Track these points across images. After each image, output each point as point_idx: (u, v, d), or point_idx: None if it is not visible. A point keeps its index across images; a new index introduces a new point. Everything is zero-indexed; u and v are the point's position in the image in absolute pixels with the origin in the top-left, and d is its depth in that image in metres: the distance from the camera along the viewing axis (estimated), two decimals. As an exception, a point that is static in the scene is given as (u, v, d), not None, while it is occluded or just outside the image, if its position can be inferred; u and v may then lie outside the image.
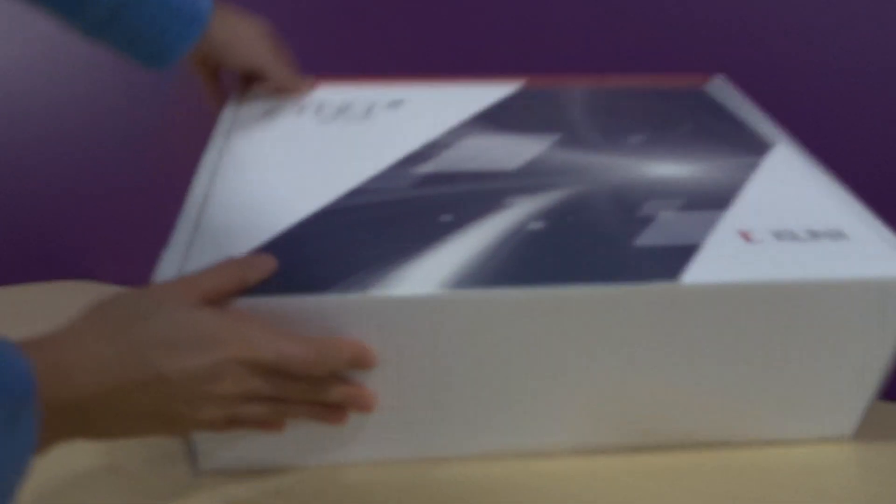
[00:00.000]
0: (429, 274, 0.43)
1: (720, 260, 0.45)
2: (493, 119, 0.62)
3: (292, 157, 0.55)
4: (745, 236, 0.47)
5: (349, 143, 0.57)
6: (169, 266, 0.44)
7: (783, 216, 0.49)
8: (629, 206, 0.50)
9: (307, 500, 0.46)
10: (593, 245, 0.46)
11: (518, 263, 0.44)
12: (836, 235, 0.48)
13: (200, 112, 0.98)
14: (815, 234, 0.48)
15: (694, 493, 0.47)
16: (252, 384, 0.40)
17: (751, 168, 0.55)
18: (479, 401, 0.47)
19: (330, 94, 0.65)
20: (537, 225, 0.47)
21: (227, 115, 0.61)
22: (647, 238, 0.47)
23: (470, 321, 0.43)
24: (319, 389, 0.43)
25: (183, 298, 0.39)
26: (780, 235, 0.47)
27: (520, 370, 0.45)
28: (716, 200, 0.51)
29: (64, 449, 0.39)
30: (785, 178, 0.54)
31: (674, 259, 0.45)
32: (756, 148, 0.58)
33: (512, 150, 0.57)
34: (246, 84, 0.66)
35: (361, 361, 0.43)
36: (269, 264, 0.43)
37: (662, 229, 0.47)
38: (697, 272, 0.44)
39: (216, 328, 0.39)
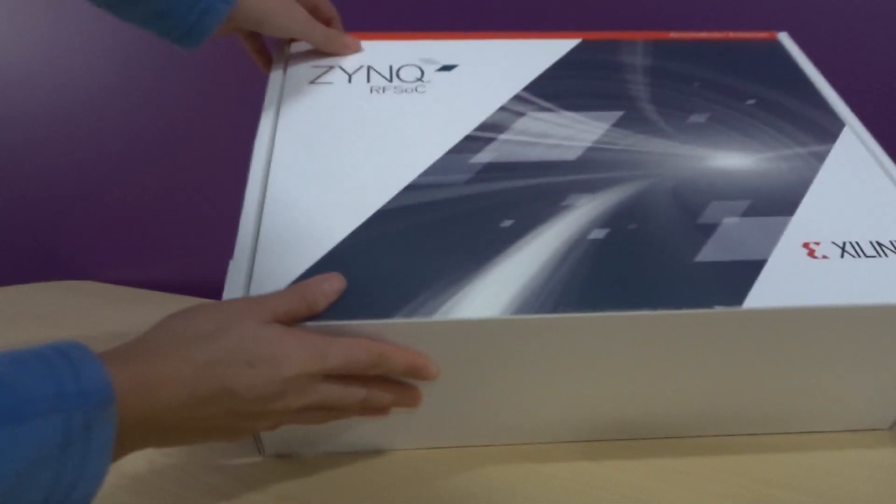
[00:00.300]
0: (492, 294, 0.43)
1: (783, 280, 0.45)
2: (550, 89, 0.59)
3: (346, 145, 0.53)
4: (809, 251, 0.47)
5: (403, 122, 0.55)
6: (235, 284, 0.44)
7: (848, 225, 0.49)
8: (691, 210, 0.49)
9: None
10: (655, 261, 0.46)
11: (580, 284, 0.44)
12: (903, 250, 0.47)
13: (201, 113, 0.95)
14: (880, 247, 0.47)
15: (726, 477, 0.49)
16: (312, 397, 0.41)
17: (817, 161, 0.53)
18: (521, 404, 0.49)
19: (378, 53, 0.63)
20: (599, 233, 0.47)
21: (273, 89, 0.58)
22: (710, 252, 0.46)
23: (531, 341, 0.44)
24: (372, 390, 0.44)
25: (254, 316, 0.40)
26: (844, 248, 0.47)
27: (572, 382, 0.47)
28: (781, 204, 0.50)
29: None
30: (851, 174, 0.52)
31: (737, 278, 0.45)
32: (823, 133, 0.56)
33: (571, 134, 0.55)
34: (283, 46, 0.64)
35: (420, 373, 0.45)
36: (337, 286, 0.43)
37: (725, 241, 0.47)
38: (760, 295, 0.44)
39: (283, 345, 0.40)
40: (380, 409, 0.46)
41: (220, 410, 0.39)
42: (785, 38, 0.66)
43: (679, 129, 0.56)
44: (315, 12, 0.62)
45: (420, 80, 0.60)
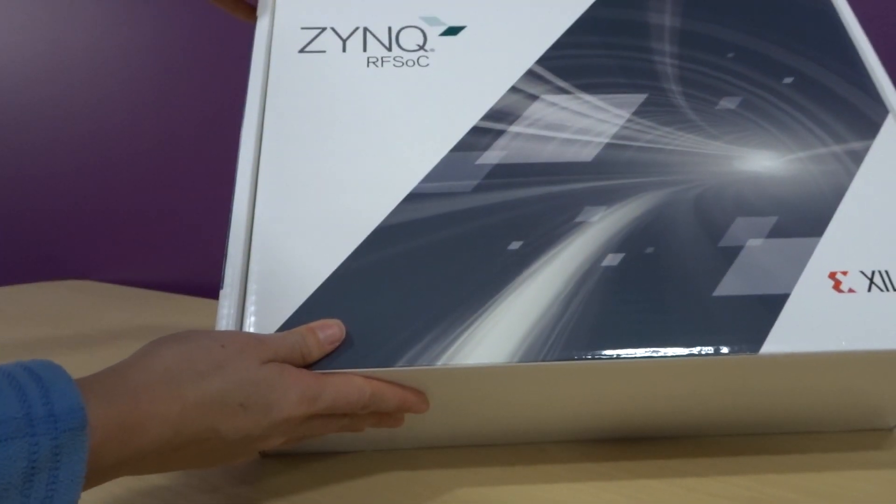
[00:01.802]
0: (498, 337, 0.41)
1: (805, 320, 0.42)
2: (567, 62, 0.53)
3: (341, 143, 0.49)
4: (836, 283, 0.44)
5: (403, 109, 0.50)
6: (226, 318, 0.42)
7: (880, 248, 0.45)
8: (714, 229, 0.46)
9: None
10: (671, 296, 0.43)
11: (591, 323, 0.42)
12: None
13: (202, 114, 0.88)
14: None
15: (726, 477, 0.50)
16: (296, 433, 0.41)
17: (854, 163, 0.49)
18: (512, 429, 0.48)
19: (375, 10, 0.56)
20: (613, 259, 0.44)
21: (257, 61, 0.52)
22: (730, 284, 0.44)
23: (536, 384, 0.43)
24: (355, 421, 0.43)
25: (254, 355, 0.39)
26: (872, 280, 0.44)
27: (574, 414, 0.46)
28: (810, 221, 0.46)
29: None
30: (889, 180, 0.48)
31: (756, 316, 0.42)
32: (864, 123, 0.51)
33: (588, 125, 0.50)
34: None
35: (412, 409, 0.44)
36: (336, 335, 0.41)
37: (748, 269, 0.44)
38: (780, 338, 0.42)
39: (278, 390, 0.39)
40: (392, 420, 0.46)
41: (201, 449, 0.38)
42: None
43: (707, 119, 0.51)
44: None
45: (422, 47, 0.54)
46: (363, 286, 0.43)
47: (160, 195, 1.01)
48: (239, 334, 0.40)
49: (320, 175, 0.47)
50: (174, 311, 0.89)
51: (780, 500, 0.47)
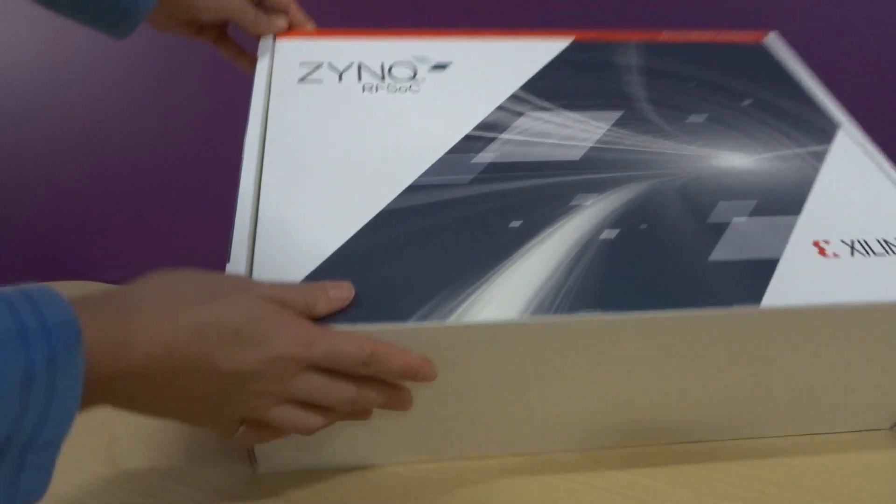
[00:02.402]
0: (507, 297, 0.41)
1: (798, 279, 0.44)
2: (547, 88, 0.58)
3: (341, 146, 0.51)
4: (820, 249, 0.46)
5: (398, 122, 0.53)
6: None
7: (854, 223, 0.48)
8: (700, 210, 0.48)
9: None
10: (669, 261, 0.45)
11: (596, 284, 0.43)
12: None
13: (202, 113, 0.93)
14: (887, 245, 0.47)
15: (728, 478, 0.49)
16: (293, 386, 0.38)
17: (817, 160, 0.53)
18: (529, 410, 0.47)
19: (369, 51, 0.61)
20: (610, 234, 0.46)
21: (258, 90, 0.55)
22: (723, 251, 0.45)
23: (547, 344, 0.42)
24: (362, 389, 0.41)
25: (252, 290, 0.38)
26: (853, 247, 0.47)
27: (583, 386, 0.46)
28: (787, 203, 0.49)
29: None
30: (851, 173, 0.53)
31: (752, 277, 0.44)
32: (820, 133, 0.56)
33: (572, 133, 0.54)
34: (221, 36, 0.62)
35: (417, 375, 0.42)
36: (345, 294, 0.41)
37: (737, 239, 0.46)
38: (777, 294, 0.43)
39: (272, 325, 0.37)
40: (365, 412, 0.44)
41: (194, 382, 0.36)
42: (775, 38, 0.67)
43: (679, 129, 0.55)
44: (262, 2, 0.60)
45: (413, 78, 0.58)
46: (369, 259, 0.43)
47: (160, 195, 1.00)
48: (240, 275, 0.40)
49: (322, 170, 0.49)
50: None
51: (782, 500, 0.47)
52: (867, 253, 0.46)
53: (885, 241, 0.47)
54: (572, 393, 0.46)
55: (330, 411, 0.41)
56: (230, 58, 0.63)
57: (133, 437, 0.51)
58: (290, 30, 0.62)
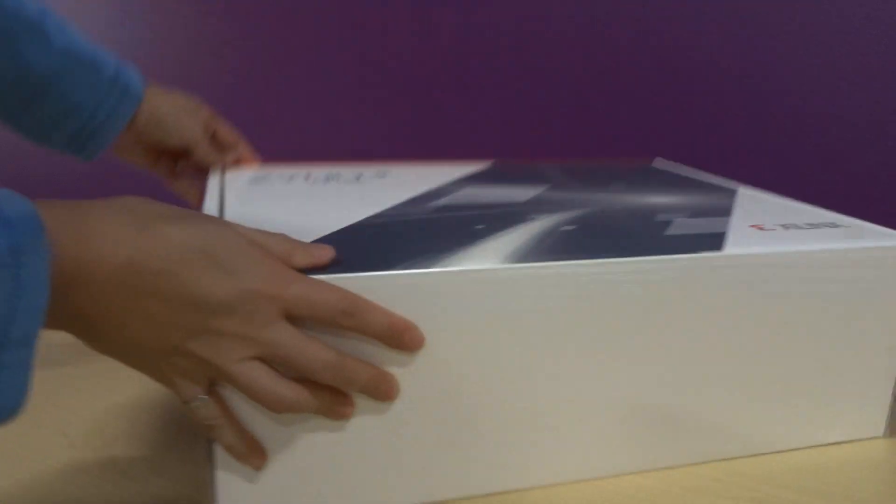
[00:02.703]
0: (484, 259, 0.41)
1: (748, 241, 0.47)
2: (481, 178, 0.64)
3: (298, 203, 0.53)
4: (758, 227, 0.50)
5: (351, 195, 0.56)
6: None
7: (780, 217, 0.53)
8: (646, 216, 0.52)
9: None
10: (631, 234, 0.47)
11: (567, 246, 0.44)
12: (833, 225, 0.52)
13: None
14: (815, 226, 0.52)
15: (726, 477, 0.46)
16: (264, 333, 0.34)
17: (730, 198, 0.60)
18: (506, 415, 0.44)
19: (312, 168, 0.66)
20: (569, 227, 0.48)
21: (212, 189, 0.58)
22: (676, 230, 0.48)
23: (530, 300, 0.41)
24: (344, 358, 0.37)
25: (225, 223, 0.36)
26: (785, 227, 0.51)
27: (574, 369, 0.44)
28: (717, 211, 0.54)
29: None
30: (761, 198, 0.59)
31: (709, 241, 0.46)
32: (724, 191, 0.63)
33: (514, 192, 0.58)
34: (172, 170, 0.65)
35: (403, 337, 0.38)
36: (326, 255, 0.39)
37: (685, 225, 0.50)
38: (735, 247, 0.45)
39: (247, 257, 0.35)
40: (342, 404, 0.39)
41: (156, 307, 0.33)
42: (661, 160, 0.78)
43: (606, 190, 0.61)
44: (214, 137, 0.65)
45: (358, 179, 0.62)
46: (343, 245, 0.43)
47: (160, 195, 0.88)
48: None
49: (279, 216, 0.50)
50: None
51: (782, 500, 0.46)
52: (800, 228, 0.51)
53: (811, 224, 0.52)
54: (572, 384, 0.43)
55: (303, 389, 0.36)
56: (180, 191, 0.66)
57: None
58: (238, 163, 0.67)
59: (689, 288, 0.44)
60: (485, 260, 0.41)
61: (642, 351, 0.44)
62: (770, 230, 0.50)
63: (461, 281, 0.40)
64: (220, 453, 0.38)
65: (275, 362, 0.35)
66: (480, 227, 0.48)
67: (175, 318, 0.33)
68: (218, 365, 0.34)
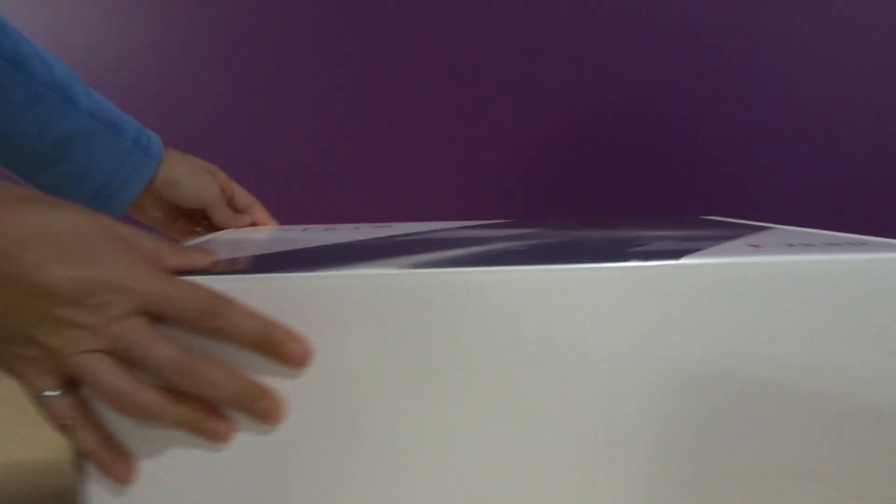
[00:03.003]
0: (389, 266, 0.38)
1: (725, 254, 0.39)
2: (481, 226, 0.60)
3: (273, 235, 0.53)
4: (754, 246, 0.42)
5: (330, 236, 0.55)
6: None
7: (801, 239, 0.45)
8: (620, 241, 0.46)
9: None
10: (581, 251, 0.41)
11: (503, 256, 0.39)
12: (859, 243, 0.42)
13: (202, 113, 0.98)
14: (832, 245, 0.42)
15: None
16: (114, 325, 0.32)
17: (752, 231, 0.52)
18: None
19: (320, 225, 0.66)
20: (518, 248, 0.43)
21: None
22: (642, 248, 0.42)
23: (406, 308, 0.36)
24: (201, 362, 0.34)
25: (93, 214, 0.34)
26: (792, 245, 0.42)
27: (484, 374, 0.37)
28: (716, 238, 0.47)
29: None
30: (802, 232, 0.50)
31: (674, 253, 0.39)
32: (750, 227, 0.55)
33: (494, 232, 0.54)
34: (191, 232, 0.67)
35: (281, 347, 0.35)
36: (204, 258, 0.37)
37: (658, 246, 0.43)
38: (700, 258, 0.38)
39: (107, 248, 0.33)
40: (215, 423, 0.35)
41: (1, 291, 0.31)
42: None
43: (599, 229, 0.55)
44: (231, 202, 0.67)
45: (356, 229, 0.61)
46: (247, 260, 0.41)
47: None
48: None
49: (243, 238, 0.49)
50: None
51: None
52: (808, 246, 0.42)
53: (831, 243, 0.43)
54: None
55: (157, 393, 0.34)
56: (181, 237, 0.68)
57: None
58: (254, 225, 0.68)
59: (607, 300, 0.37)
60: (385, 267, 0.37)
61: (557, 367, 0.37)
62: (767, 248, 0.41)
63: (345, 286, 0.36)
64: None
65: (125, 360, 0.33)
66: (419, 248, 0.44)
67: (21, 304, 0.32)
68: (62, 355, 0.33)
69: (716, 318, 0.37)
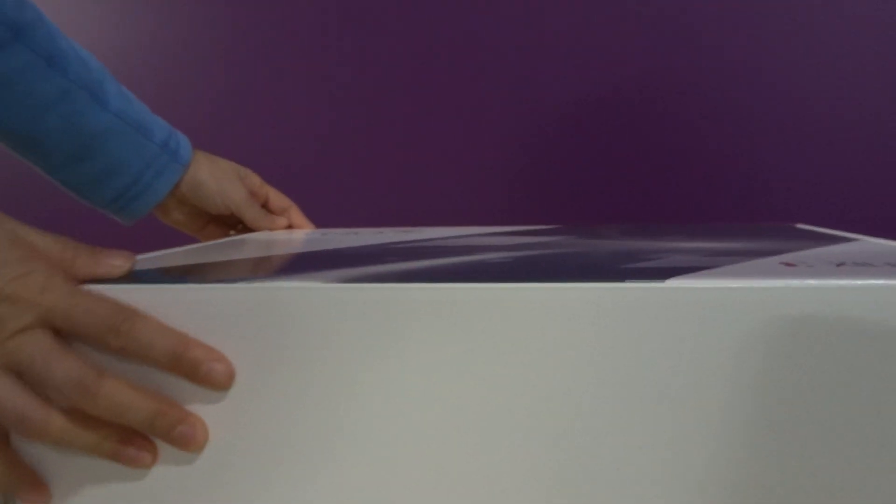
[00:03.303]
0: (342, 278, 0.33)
1: (722, 276, 0.31)
2: (511, 233, 0.54)
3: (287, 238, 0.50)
4: (789, 265, 0.34)
5: (349, 239, 0.51)
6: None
7: (860, 258, 0.35)
8: (629, 254, 0.38)
9: None
10: (573, 267, 0.35)
11: (474, 270, 0.33)
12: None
13: (202, 113, 0.99)
14: (856, 266, 0.33)
15: None
16: (14, 341, 0.30)
17: (818, 242, 0.42)
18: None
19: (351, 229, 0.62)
20: (501, 260, 0.37)
21: None
22: (642, 265, 0.34)
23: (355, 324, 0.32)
24: (108, 381, 0.30)
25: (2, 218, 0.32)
26: (838, 265, 0.33)
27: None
28: (750, 253, 0.38)
29: None
30: (868, 247, 0.40)
31: (665, 273, 0.32)
32: (824, 237, 0.45)
33: (506, 239, 0.48)
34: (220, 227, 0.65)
35: (197, 367, 0.31)
36: (122, 265, 0.35)
37: (665, 263, 0.35)
38: (689, 280, 0.30)
39: (7, 257, 0.31)
40: (133, 449, 0.32)
41: None
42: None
43: (623, 238, 0.47)
44: (266, 205, 0.65)
45: (379, 233, 0.57)
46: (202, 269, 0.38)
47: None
48: None
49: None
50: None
51: None
52: (857, 265, 0.33)
53: (891, 263, 0.33)
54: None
55: (55, 413, 0.31)
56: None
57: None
58: (290, 228, 0.66)
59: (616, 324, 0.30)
60: (319, 280, 0.33)
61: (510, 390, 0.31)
62: (802, 268, 0.33)
63: (266, 299, 0.32)
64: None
65: (25, 379, 0.31)
66: (392, 257, 0.39)
67: None
68: None
69: (696, 345, 0.30)
